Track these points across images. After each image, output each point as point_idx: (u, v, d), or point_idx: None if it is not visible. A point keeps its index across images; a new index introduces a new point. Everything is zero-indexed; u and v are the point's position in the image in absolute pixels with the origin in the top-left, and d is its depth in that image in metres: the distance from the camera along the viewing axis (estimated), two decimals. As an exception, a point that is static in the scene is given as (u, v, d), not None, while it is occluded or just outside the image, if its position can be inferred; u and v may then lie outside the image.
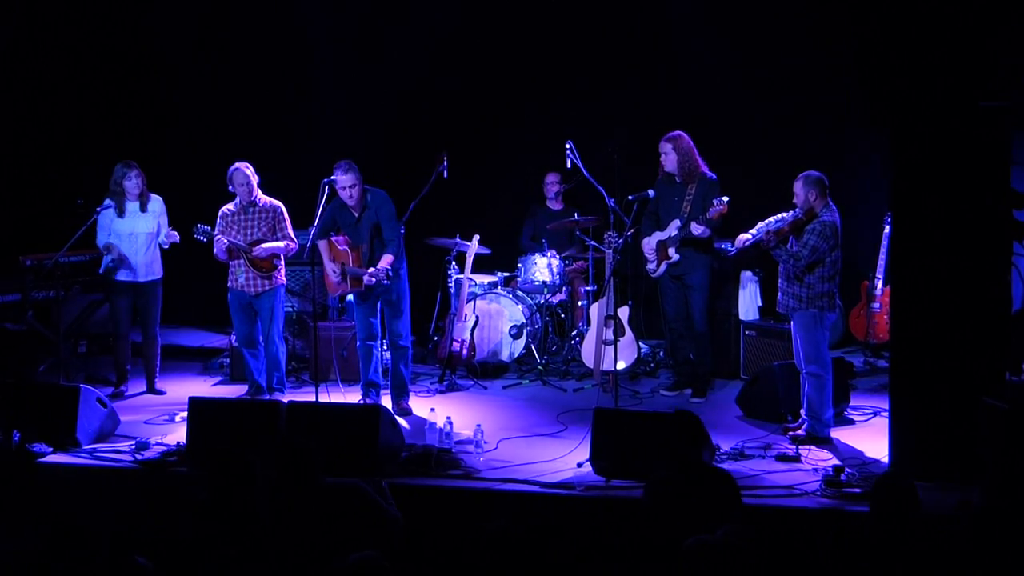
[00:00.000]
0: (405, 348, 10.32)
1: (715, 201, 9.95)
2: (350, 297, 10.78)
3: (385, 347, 10.79)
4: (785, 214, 9.18)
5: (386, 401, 10.14)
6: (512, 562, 5.81)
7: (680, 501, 6.63)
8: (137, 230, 10.85)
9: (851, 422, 9.65)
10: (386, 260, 9.93)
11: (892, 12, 7.95)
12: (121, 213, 10.81)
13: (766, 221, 9.32)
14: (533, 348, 11.92)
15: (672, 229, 10.39)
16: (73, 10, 13.69)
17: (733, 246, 9.57)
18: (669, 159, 10.40)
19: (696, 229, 10.15)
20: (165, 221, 11.01)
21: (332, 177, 9.92)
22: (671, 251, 10.41)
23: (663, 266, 10.52)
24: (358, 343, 10.46)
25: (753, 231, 9.35)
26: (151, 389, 11.14)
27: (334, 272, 10.18)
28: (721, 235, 10.35)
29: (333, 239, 10.22)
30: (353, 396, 10.48)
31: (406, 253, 10.38)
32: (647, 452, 7.77)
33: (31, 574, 5.77)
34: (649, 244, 10.59)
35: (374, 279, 9.86)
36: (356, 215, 10.13)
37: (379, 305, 10.33)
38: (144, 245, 10.88)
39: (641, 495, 7.01)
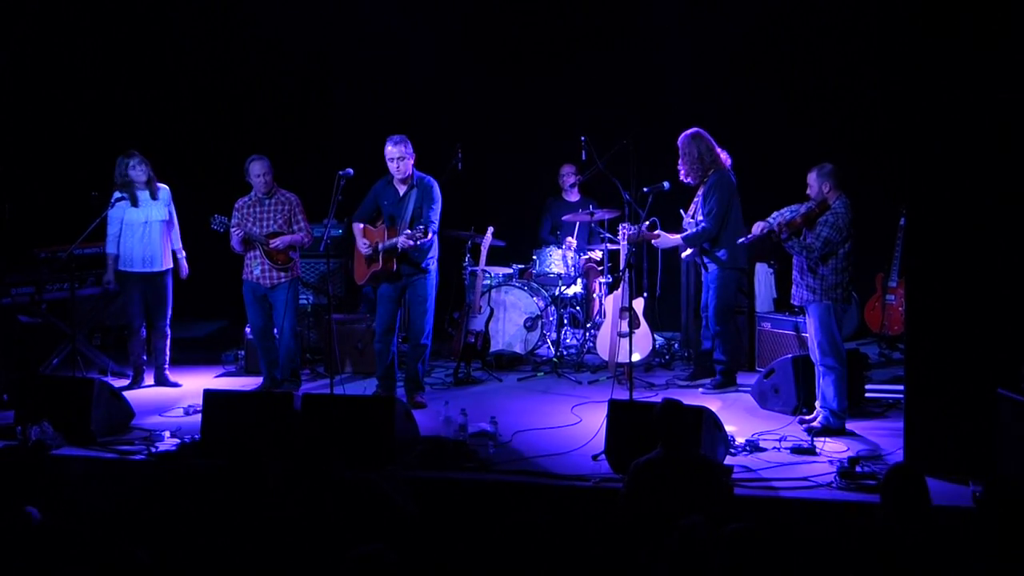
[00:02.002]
0: (425, 346, 10.29)
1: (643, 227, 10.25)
2: (367, 288, 10.74)
3: (402, 341, 10.78)
4: (798, 205, 9.16)
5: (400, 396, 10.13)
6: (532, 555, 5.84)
7: (661, 488, 6.68)
8: (151, 218, 10.88)
9: (866, 414, 9.61)
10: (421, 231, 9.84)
11: (911, 3, 7.92)
12: (135, 203, 10.83)
13: (780, 212, 9.29)
14: (548, 340, 11.90)
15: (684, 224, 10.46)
16: (87, 2, 13.69)
17: (746, 236, 9.57)
18: (681, 160, 10.42)
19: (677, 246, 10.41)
20: (173, 210, 11.05)
21: (385, 153, 10.03)
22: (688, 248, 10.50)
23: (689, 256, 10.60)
24: (376, 337, 10.38)
25: (769, 218, 9.32)
26: (161, 381, 11.15)
27: (366, 246, 10.08)
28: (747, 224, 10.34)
29: (368, 227, 10.18)
30: (368, 389, 10.47)
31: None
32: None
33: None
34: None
35: (411, 240, 9.71)
36: (401, 193, 10.10)
37: (401, 302, 10.32)
38: (159, 233, 10.90)
39: (623, 479, 7.06)
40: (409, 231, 9.74)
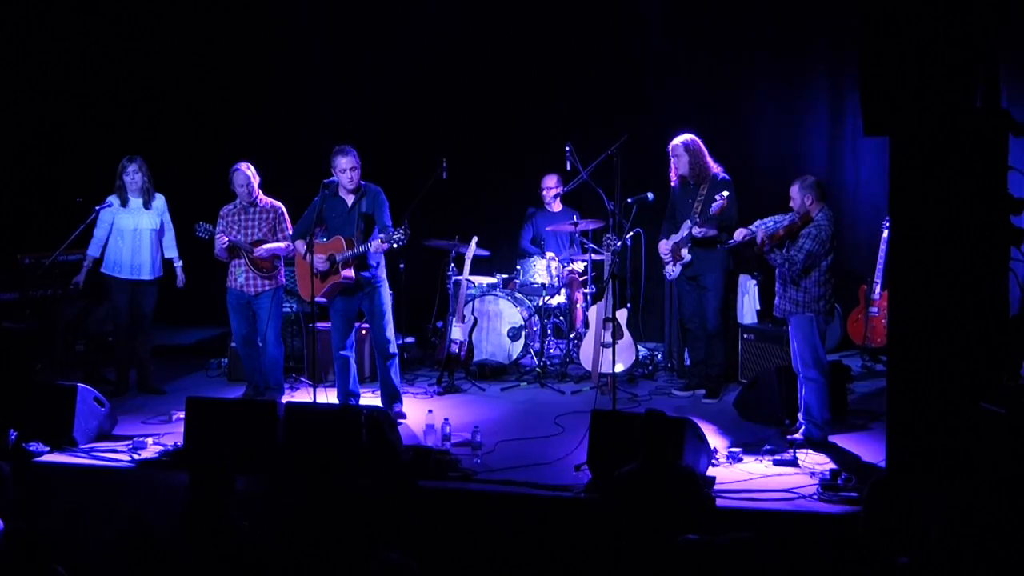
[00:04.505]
0: (394, 355, 10.18)
1: (716, 196, 10.02)
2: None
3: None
4: (781, 216, 9.18)
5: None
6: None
7: (644, 498, 6.69)
8: (141, 226, 10.89)
9: (849, 426, 9.62)
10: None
11: (891, 17, 7.94)
12: (124, 203, 10.84)
13: (763, 220, 9.31)
14: (531, 350, 11.91)
15: (684, 230, 10.43)
16: (74, 7, 13.69)
17: (732, 239, 9.57)
18: (682, 162, 10.45)
19: (698, 232, 10.20)
20: (168, 219, 11.06)
21: (333, 164, 9.83)
22: (683, 251, 10.45)
23: (678, 267, 10.55)
24: (334, 354, 10.25)
25: (752, 226, 9.34)
26: (145, 387, 11.14)
27: (322, 261, 9.83)
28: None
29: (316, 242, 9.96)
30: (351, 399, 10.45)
31: (402, 255, 10.25)
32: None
33: None
34: (665, 247, 10.64)
35: (387, 243, 9.60)
36: (349, 204, 9.98)
37: (357, 314, 10.23)
38: (148, 242, 10.90)
39: (605, 491, 7.07)
40: (384, 234, 9.65)
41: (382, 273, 10.11)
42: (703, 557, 5.44)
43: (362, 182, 10.00)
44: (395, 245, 9.64)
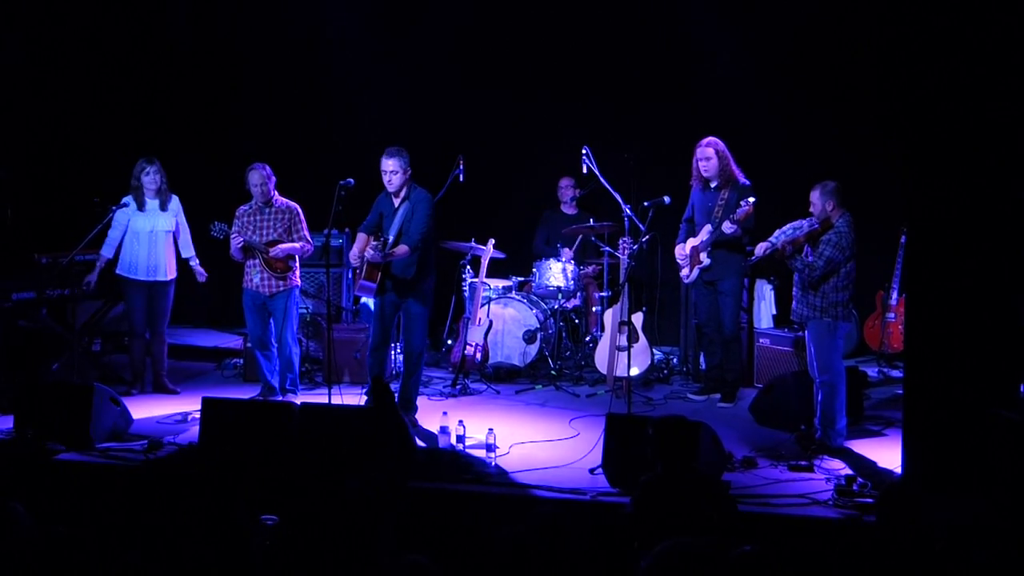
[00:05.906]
0: (418, 365, 10.14)
1: (742, 202, 10.00)
2: (365, 300, 10.71)
3: (398, 351, 10.74)
4: (801, 222, 9.15)
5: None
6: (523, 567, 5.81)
7: (668, 505, 6.65)
8: (157, 228, 10.90)
9: (864, 432, 9.61)
10: (400, 250, 9.72)
11: (908, 23, 7.93)
12: (141, 207, 10.86)
13: (782, 228, 9.28)
14: (546, 353, 11.91)
15: (704, 234, 10.43)
16: (91, 8, 13.72)
17: (754, 255, 9.56)
18: (711, 163, 10.44)
19: (728, 228, 10.17)
20: (183, 220, 11.08)
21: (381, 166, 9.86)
22: (702, 256, 10.44)
23: (695, 271, 10.54)
24: (368, 351, 10.31)
25: (771, 238, 9.32)
26: (159, 387, 11.16)
27: (355, 257, 9.96)
28: (753, 241, 10.36)
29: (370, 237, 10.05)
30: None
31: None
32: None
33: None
34: (682, 250, 10.64)
35: (371, 251, 9.64)
36: (395, 205, 9.95)
37: (392, 318, 10.23)
38: (164, 243, 10.92)
39: (629, 499, 7.03)
40: (375, 243, 9.70)
41: (424, 283, 10.01)
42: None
43: (416, 188, 9.96)
44: (379, 255, 9.68)
